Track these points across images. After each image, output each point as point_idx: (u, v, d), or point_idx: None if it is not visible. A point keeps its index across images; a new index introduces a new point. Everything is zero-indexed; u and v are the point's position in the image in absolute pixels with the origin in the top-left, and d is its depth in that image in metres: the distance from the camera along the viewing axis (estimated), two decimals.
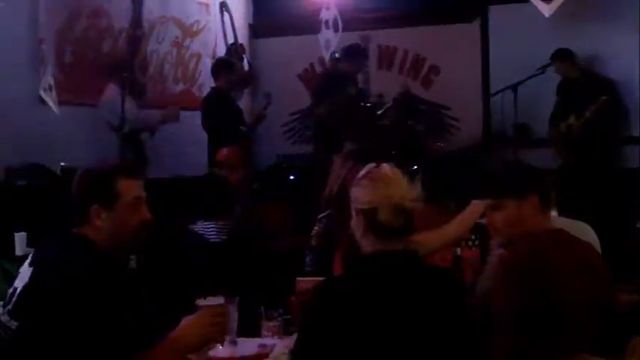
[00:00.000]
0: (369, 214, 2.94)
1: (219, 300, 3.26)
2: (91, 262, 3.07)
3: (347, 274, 3.04)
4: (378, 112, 9.30)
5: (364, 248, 2.99)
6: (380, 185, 2.96)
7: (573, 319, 3.13)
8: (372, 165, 3.07)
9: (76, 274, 2.99)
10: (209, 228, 5.26)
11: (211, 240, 5.18)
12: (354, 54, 9.82)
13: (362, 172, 3.07)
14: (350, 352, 2.76)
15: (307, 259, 4.78)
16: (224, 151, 6.46)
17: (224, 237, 5.24)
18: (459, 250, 4.90)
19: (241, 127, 9.17)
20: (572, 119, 9.32)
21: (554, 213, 4.20)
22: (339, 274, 3.22)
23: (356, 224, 3.03)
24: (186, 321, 3.16)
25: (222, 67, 9.48)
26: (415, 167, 7.09)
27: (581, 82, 9.53)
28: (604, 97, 9.10)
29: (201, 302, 3.24)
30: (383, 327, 2.78)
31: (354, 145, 5.76)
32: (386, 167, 3.03)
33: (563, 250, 3.28)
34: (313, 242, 4.78)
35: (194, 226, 5.31)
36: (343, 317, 2.78)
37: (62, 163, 7.41)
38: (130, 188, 3.22)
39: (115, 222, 3.17)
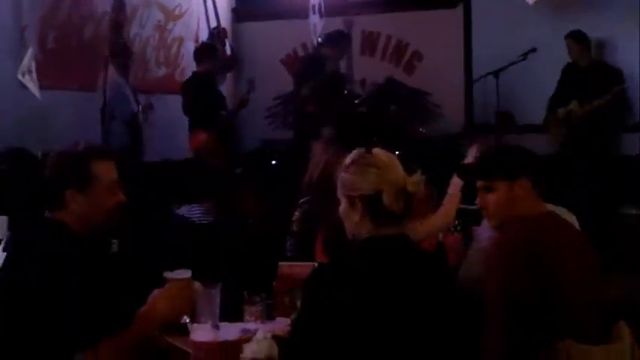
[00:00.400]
0: (371, 200, 2.92)
1: (186, 273, 3.27)
2: (66, 246, 3.06)
3: (343, 260, 3.01)
4: (356, 101, 9.32)
5: (359, 234, 2.98)
6: (380, 170, 2.94)
7: (567, 303, 3.14)
8: (361, 150, 3.04)
9: (50, 258, 2.99)
10: (194, 210, 5.30)
11: (196, 222, 5.22)
12: (336, 39, 9.81)
13: (352, 158, 3.03)
14: (348, 337, 2.76)
15: (288, 244, 4.78)
16: (201, 137, 6.38)
17: (209, 219, 5.27)
18: (441, 235, 4.92)
19: (222, 112, 9.16)
20: (573, 105, 9.28)
21: None
22: (334, 259, 3.21)
23: (347, 211, 3.00)
24: (155, 294, 3.18)
25: (205, 51, 9.47)
26: (397, 152, 7.08)
27: (589, 70, 9.49)
28: (621, 86, 9.11)
29: (168, 275, 3.25)
30: (382, 311, 2.76)
31: (333, 130, 5.73)
32: (380, 152, 3.01)
33: (556, 235, 3.29)
34: (294, 227, 4.79)
35: (179, 210, 5.33)
36: (341, 303, 2.77)
37: (44, 147, 7.39)
38: (105, 171, 3.22)
39: (90, 205, 3.16)
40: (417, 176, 2.94)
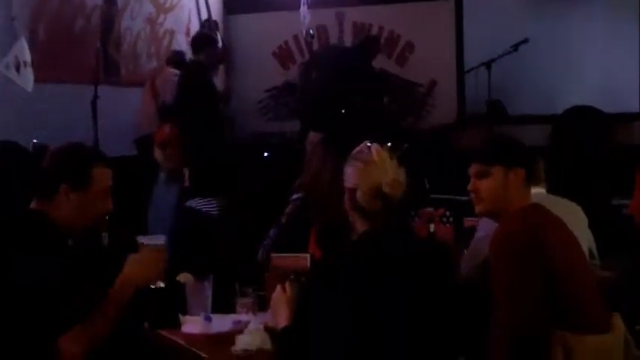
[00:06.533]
0: (351, 194, 2.97)
1: (159, 239, 3.33)
2: (44, 235, 3.07)
3: (340, 253, 3.05)
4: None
5: (353, 224, 3.02)
6: (363, 167, 2.97)
7: (569, 290, 3.17)
8: (365, 144, 3.06)
9: (27, 247, 3.01)
10: (211, 204, 5.35)
11: (214, 216, 5.30)
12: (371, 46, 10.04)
13: (356, 150, 3.07)
14: (351, 323, 2.78)
15: (271, 232, 4.77)
16: (165, 129, 6.22)
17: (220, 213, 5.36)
18: (432, 226, 4.92)
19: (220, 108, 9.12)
20: None
21: (542, 190, 4.23)
22: (335, 252, 3.25)
23: (345, 200, 3.05)
24: (131, 259, 3.23)
25: (205, 41, 9.34)
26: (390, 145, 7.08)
27: None
28: None
29: (143, 240, 3.30)
30: (380, 302, 2.80)
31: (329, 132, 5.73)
32: (375, 149, 3.02)
33: (550, 225, 3.33)
34: (283, 220, 4.79)
35: (190, 202, 5.38)
36: (340, 295, 2.81)
37: (34, 140, 7.36)
38: (102, 177, 3.24)
39: (79, 206, 3.17)
40: (394, 178, 2.95)
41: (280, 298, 3.17)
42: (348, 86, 9.36)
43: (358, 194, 2.94)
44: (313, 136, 5.80)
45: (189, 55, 9.47)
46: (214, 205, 5.42)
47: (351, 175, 3.01)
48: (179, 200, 5.54)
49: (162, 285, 3.46)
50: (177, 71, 9.07)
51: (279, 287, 3.23)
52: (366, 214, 2.96)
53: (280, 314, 3.14)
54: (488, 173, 3.43)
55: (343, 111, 9.09)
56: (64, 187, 3.15)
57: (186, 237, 5.28)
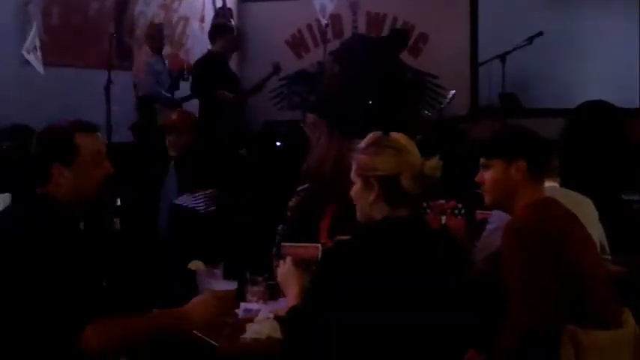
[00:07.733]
0: (388, 181, 2.92)
1: (231, 285, 3.30)
2: (53, 217, 3.05)
3: (359, 240, 3.02)
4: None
5: (373, 215, 2.98)
6: (399, 152, 2.94)
7: (579, 285, 3.18)
8: (378, 133, 3.04)
9: (37, 231, 2.97)
10: (198, 198, 5.29)
11: (200, 211, 5.22)
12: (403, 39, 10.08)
13: (369, 140, 3.03)
14: (360, 313, 2.77)
15: (279, 227, 4.77)
16: (174, 115, 6.23)
17: (212, 207, 5.27)
18: (444, 218, 4.90)
19: (235, 93, 9.07)
20: None
21: (554, 184, 4.22)
22: (352, 239, 3.22)
23: (361, 191, 3.00)
24: (194, 301, 3.19)
25: (221, 30, 9.35)
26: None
27: None
28: None
29: (213, 285, 3.27)
30: (394, 290, 2.79)
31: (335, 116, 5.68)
32: (398, 135, 3.01)
33: (560, 220, 3.34)
34: (288, 213, 4.78)
35: (179, 200, 5.33)
36: (353, 281, 2.78)
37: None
38: (89, 143, 3.19)
39: (77, 178, 3.14)
40: (435, 161, 2.94)
41: (290, 274, 3.18)
42: (373, 76, 9.38)
43: (403, 179, 2.91)
44: (310, 118, 5.75)
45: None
46: (201, 200, 5.38)
47: (383, 162, 2.94)
48: (180, 191, 5.52)
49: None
50: (154, 55, 9.03)
51: (289, 261, 3.23)
52: (402, 200, 2.93)
53: (289, 292, 3.14)
54: (489, 166, 3.49)
55: (370, 102, 9.10)
56: (56, 166, 3.12)
57: (174, 234, 5.27)
